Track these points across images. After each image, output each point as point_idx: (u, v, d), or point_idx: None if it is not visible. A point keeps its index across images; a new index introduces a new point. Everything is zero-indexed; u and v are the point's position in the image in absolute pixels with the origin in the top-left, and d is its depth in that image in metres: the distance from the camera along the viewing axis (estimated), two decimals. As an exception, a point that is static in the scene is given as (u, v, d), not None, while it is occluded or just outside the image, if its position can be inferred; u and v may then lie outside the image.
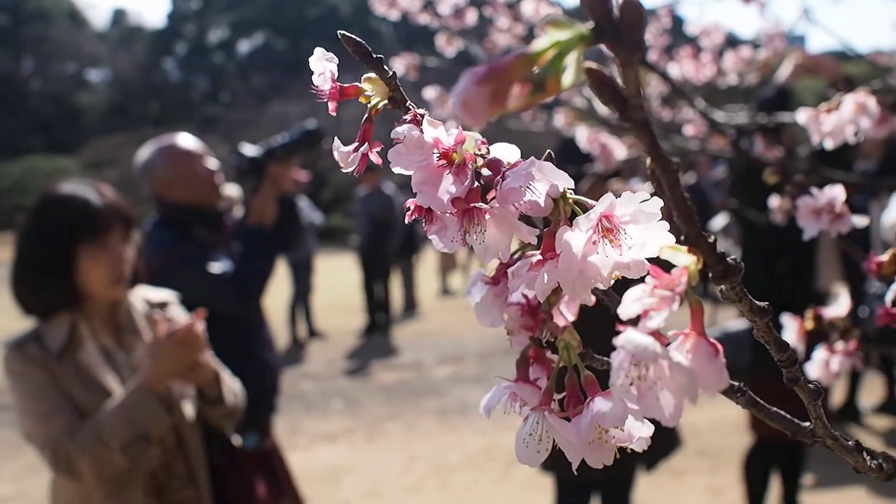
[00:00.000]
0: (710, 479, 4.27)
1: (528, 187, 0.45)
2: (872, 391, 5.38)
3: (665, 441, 2.78)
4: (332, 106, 0.52)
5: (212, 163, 2.68)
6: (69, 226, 1.89)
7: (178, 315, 2.17)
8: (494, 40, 3.50)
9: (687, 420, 5.03)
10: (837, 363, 1.11)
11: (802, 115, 1.21)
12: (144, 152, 2.69)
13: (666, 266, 0.41)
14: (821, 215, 0.98)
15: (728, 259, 0.39)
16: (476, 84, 0.35)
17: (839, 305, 1.11)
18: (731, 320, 3.39)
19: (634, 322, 0.39)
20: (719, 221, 6.96)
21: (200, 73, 42.75)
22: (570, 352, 0.50)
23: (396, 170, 0.47)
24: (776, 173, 1.02)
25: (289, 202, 2.76)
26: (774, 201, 1.86)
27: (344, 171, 0.51)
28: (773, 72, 3.74)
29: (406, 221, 0.51)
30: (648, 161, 0.36)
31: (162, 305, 2.16)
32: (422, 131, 0.47)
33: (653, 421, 0.48)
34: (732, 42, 4.32)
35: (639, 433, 0.46)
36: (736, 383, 0.47)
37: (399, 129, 0.47)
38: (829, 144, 1.20)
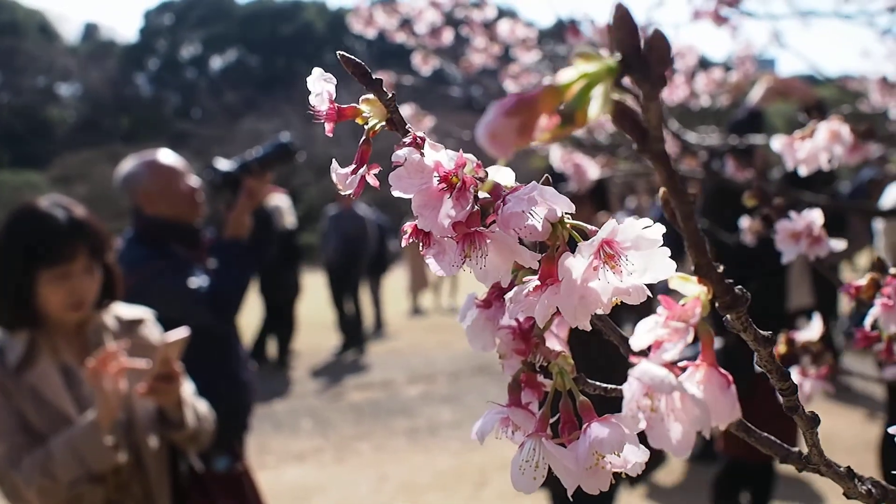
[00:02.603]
0: (681, 499, 4.28)
1: (528, 212, 0.45)
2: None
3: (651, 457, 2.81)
4: (328, 127, 0.52)
5: (193, 180, 2.70)
6: (30, 250, 1.87)
7: (153, 333, 2.14)
8: (470, 59, 3.52)
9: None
10: (810, 386, 1.12)
11: (777, 142, 1.22)
12: (128, 164, 2.69)
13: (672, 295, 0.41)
14: (799, 239, 0.99)
15: (735, 289, 0.39)
16: (504, 115, 0.35)
17: (812, 329, 1.12)
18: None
19: (645, 353, 0.39)
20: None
21: (172, 88, 42.49)
22: (565, 377, 0.50)
23: (397, 193, 0.47)
24: (754, 196, 1.03)
25: (264, 216, 2.77)
26: (745, 222, 1.88)
27: (343, 193, 0.51)
28: (744, 94, 3.80)
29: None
30: (662, 191, 0.36)
31: (136, 323, 2.12)
32: (422, 154, 0.47)
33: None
34: (704, 64, 4.37)
35: (634, 458, 0.46)
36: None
37: (400, 152, 0.47)
38: (804, 171, 1.21)
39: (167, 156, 2.69)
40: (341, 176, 0.51)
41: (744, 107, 3.27)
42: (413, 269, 11.45)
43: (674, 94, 3.99)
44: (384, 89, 0.50)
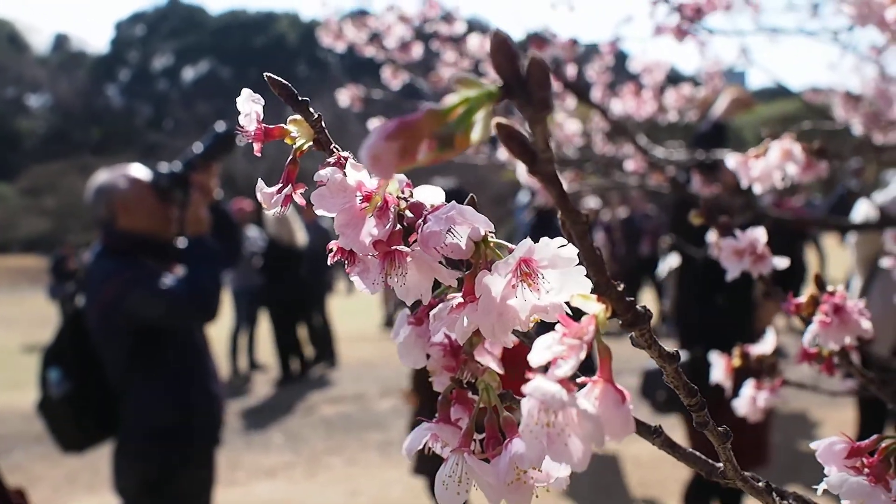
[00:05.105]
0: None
1: (449, 230, 0.46)
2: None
3: None
4: (256, 147, 0.52)
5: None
6: None
7: None
8: (440, 74, 3.54)
9: (628, 452, 5.07)
10: (764, 399, 1.13)
11: (732, 161, 1.25)
12: (103, 176, 2.69)
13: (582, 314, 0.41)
14: (743, 256, 1.01)
15: (637, 307, 0.40)
16: (385, 139, 0.35)
17: (765, 343, 1.14)
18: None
19: (545, 369, 0.39)
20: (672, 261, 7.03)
21: (144, 99, 42.30)
22: (490, 393, 0.51)
23: (320, 212, 0.48)
24: (701, 215, 1.05)
25: (220, 210, 2.78)
26: (712, 236, 1.89)
27: (267, 212, 0.51)
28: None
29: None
30: (559, 213, 0.37)
31: None
32: (345, 174, 0.48)
33: None
34: (674, 79, 4.41)
35: (557, 473, 0.46)
36: (653, 425, 0.48)
37: (322, 171, 0.48)
38: (758, 189, 1.24)
39: (144, 171, 2.70)
40: (266, 195, 0.52)
41: (708, 119, 3.30)
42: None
43: (642, 108, 4.03)
44: (310, 110, 0.50)
